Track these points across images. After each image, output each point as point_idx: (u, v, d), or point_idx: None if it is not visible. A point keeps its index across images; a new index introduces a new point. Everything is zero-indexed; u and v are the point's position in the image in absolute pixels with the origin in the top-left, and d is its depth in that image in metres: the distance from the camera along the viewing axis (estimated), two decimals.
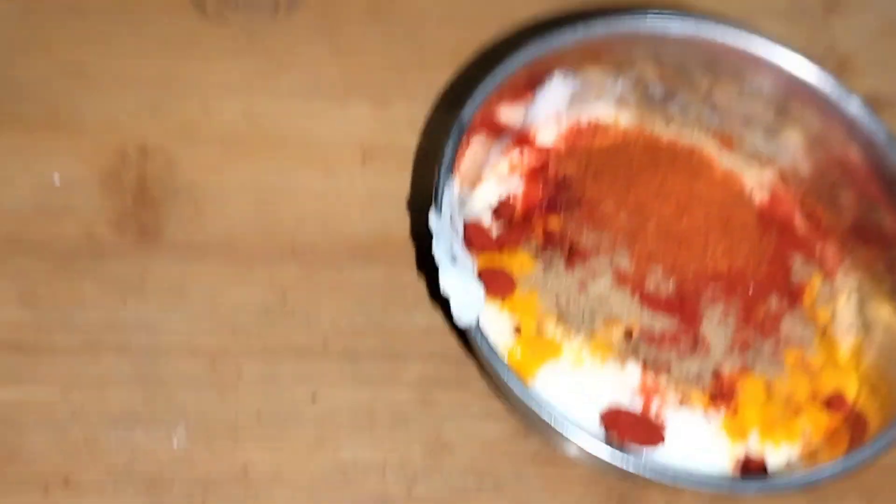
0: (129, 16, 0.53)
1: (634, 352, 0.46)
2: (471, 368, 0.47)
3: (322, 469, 0.45)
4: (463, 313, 0.43)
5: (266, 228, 0.49)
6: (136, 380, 0.44)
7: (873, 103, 0.55)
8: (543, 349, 0.45)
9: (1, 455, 0.43)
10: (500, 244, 0.48)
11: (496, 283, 0.46)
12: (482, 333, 0.42)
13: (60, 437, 0.43)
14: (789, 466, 0.45)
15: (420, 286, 0.48)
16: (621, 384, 0.45)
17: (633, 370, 0.46)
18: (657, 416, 0.45)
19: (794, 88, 0.50)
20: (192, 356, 0.45)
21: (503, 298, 0.46)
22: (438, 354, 0.47)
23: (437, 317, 0.48)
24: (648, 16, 0.49)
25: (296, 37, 0.54)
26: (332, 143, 0.51)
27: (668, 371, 0.46)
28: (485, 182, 0.49)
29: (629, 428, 0.45)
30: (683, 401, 0.46)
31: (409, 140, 0.52)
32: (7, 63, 0.51)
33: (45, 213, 0.47)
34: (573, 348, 0.45)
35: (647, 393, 0.45)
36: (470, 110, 0.46)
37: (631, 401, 0.45)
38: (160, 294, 0.46)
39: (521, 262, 0.47)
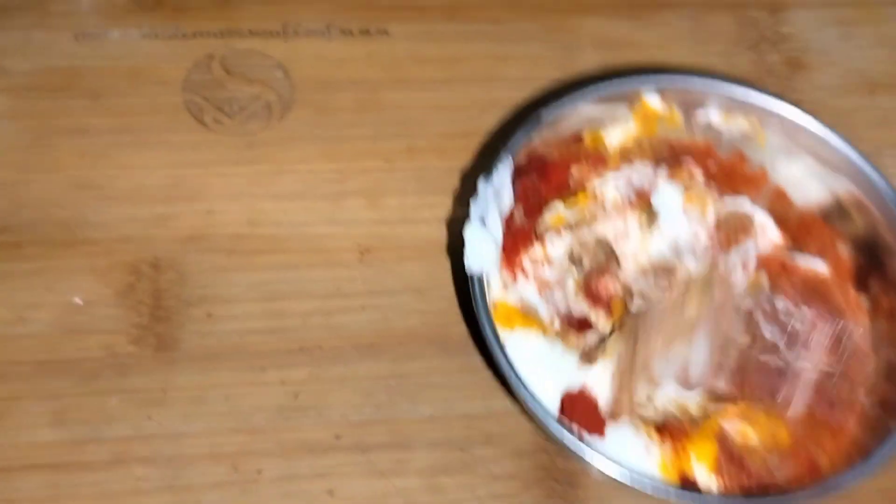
0: (131, 131, 0.56)
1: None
2: (475, 453, 0.50)
3: None
4: (473, 263, 0.49)
5: (275, 329, 0.52)
6: (166, 489, 0.48)
7: None
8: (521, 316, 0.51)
9: None
10: None
11: None
12: (480, 282, 0.48)
13: None
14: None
15: (422, 376, 0.51)
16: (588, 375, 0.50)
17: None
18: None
19: None
20: (215, 460, 0.49)
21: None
22: (443, 442, 0.50)
23: (439, 406, 0.51)
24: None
25: (290, 139, 0.57)
26: (330, 240, 0.54)
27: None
28: None
29: (582, 412, 0.48)
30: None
31: (403, 232, 0.55)
32: (21, 183, 0.54)
33: (70, 333, 0.51)
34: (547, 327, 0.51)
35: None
36: (551, 112, 0.52)
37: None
38: (181, 403, 0.50)
39: None
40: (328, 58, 0.59)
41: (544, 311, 0.51)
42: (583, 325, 0.51)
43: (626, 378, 0.49)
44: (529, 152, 0.53)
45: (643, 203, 0.53)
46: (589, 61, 0.61)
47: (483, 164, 0.56)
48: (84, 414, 0.49)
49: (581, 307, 0.51)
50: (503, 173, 0.51)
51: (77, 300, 0.51)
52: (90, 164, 0.55)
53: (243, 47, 0.59)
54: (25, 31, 0.58)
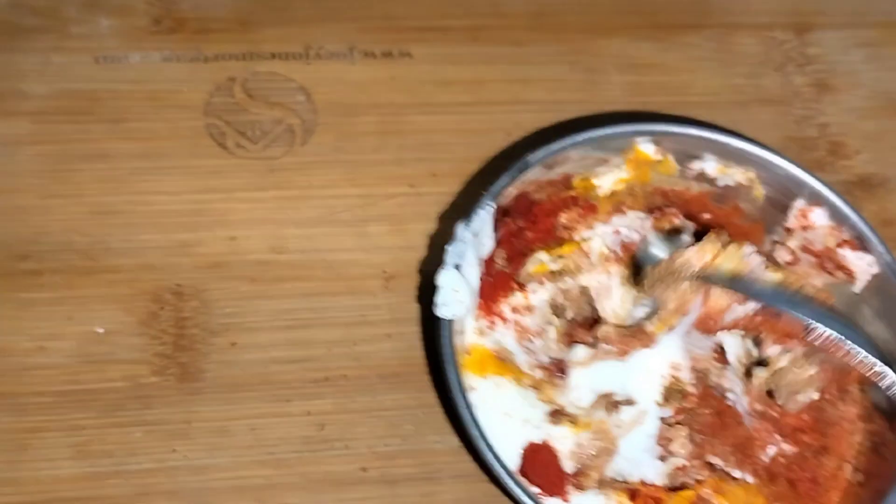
0: (153, 156, 0.55)
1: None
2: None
3: None
4: (443, 307, 0.47)
5: (299, 358, 0.51)
6: None
7: (865, 184, 0.58)
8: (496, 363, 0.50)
9: None
10: None
11: None
12: (450, 328, 0.47)
13: None
14: None
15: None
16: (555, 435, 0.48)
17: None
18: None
19: None
20: (241, 494, 0.48)
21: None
22: (471, 474, 0.49)
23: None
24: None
25: (313, 163, 0.56)
26: (355, 267, 0.54)
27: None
28: None
29: (542, 470, 0.47)
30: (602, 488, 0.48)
31: (428, 258, 0.54)
32: (41, 210, 0.53)
33: (92, 363, 0.50)
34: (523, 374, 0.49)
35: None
36: (538, 155, 0.50)
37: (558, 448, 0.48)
38: (205, 435, 0.49)
39: None
40: (351, 81, 0.58)
41: (522, 360, 0.50)
42: (564, 368, 0.50)
43: (594, 461, 0.48)
44: (518, 194, 0.51)
45: (628, 258, 0.52)
46: (613, 83, 0.61)
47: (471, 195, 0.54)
48: (107, 446, 0.48)
49: (563, 353, 0.50)
50: (483, 218, 0.49)
51: (99, 329, 0.50)
52: (111, 189, 0.54)
53: (265, 70, 0.58)
54: (45, 54, 0.57)
